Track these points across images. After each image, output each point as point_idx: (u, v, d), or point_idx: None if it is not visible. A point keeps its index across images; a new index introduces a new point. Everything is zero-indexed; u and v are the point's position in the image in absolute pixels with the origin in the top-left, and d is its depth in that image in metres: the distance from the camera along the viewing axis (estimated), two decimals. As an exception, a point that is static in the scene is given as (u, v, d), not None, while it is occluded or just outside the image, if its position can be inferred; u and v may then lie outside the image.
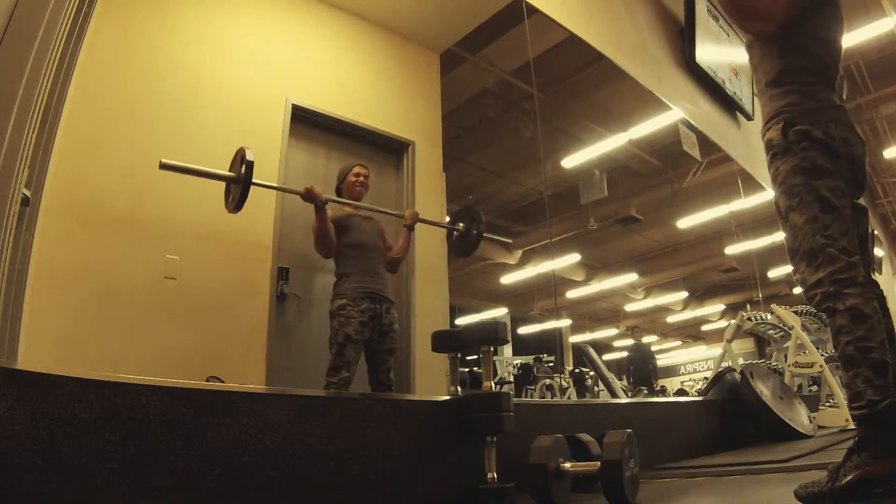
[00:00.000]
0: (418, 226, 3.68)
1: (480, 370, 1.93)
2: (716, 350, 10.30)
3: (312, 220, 2.70)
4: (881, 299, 1.40)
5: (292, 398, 1.46)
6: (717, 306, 12.82)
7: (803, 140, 1.43)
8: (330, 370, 2.54)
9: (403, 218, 3.00)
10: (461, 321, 9.65)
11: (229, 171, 2.42)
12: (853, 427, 1.39)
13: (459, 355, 2.05)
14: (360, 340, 2.61)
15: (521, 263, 9.72)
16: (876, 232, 8.05)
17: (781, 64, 1.53)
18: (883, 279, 7.31)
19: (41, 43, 1.27)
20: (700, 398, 3.82)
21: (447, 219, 3.91)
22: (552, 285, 10.06)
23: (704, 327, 14.27)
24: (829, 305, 1.35)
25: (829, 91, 1.52)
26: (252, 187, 2.35)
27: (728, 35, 5.58)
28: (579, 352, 6.54)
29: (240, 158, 2.36)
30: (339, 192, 2.95)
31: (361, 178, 2.94)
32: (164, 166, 2.25)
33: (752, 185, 5.87)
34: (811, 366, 4.06)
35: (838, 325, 1.32)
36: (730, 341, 4.54)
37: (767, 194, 6.09)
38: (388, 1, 3.73)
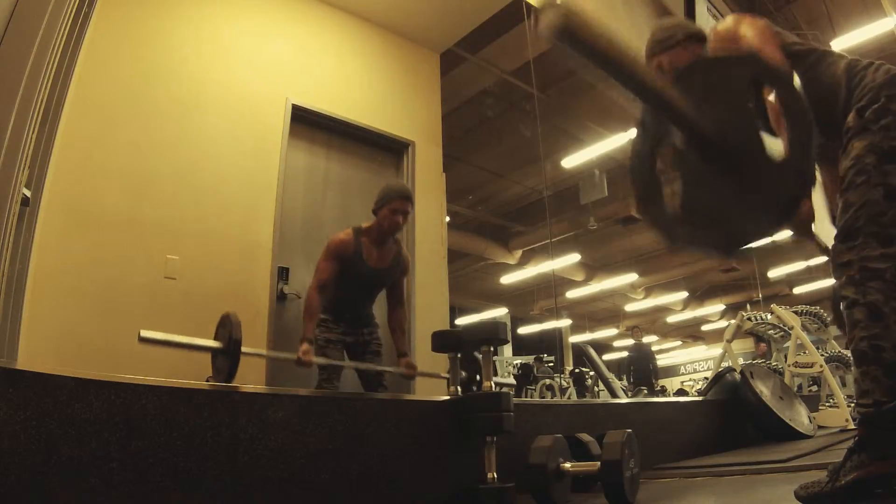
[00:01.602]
0: (419, 218, 3.66)
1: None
2: (716, 350, 10.30)
3: (312, 220, 2.70)
4: None
5: (292, 398, 1.46)
6: (717, 306, 12.83)
7: (883, 117, 1.34)
8: (320, 371, 2.56)
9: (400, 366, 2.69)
10: (460, 321, 9.65)
11: (214, 338, 2.13)
12: (853, 427, 1.39)
13: (459, 355, 2.05)
14: (342, 343, 2.63)
15: (521, 263, 9.72)
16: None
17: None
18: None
19: (41, 43, 1.28)
20: (700, 398, 3.82)
21: (447, 218, 3.91)
22: (552, 285, 10.07)
23: (704, 327, 14.30)
24: (849, 293, 1.30)
25: (879, 63, 1.45)
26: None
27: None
28: (579, 352, 6.54)
29: (228, 333, 2.06)
30: (375, 214, 2.63)
31: (400, 219, 2.57)
32: (143, 340, 1.91)
33: (752, 185, 5.85)
34: (811, 366, 4.06)
35: (855, 318, 1.28)
36: (730, 341, 4.55)
37: (767, 194, 6.08)
38: (388, 1, 3.73)
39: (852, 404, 3.32)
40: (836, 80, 1.45)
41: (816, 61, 1.50)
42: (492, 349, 1.88)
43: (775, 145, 1.17)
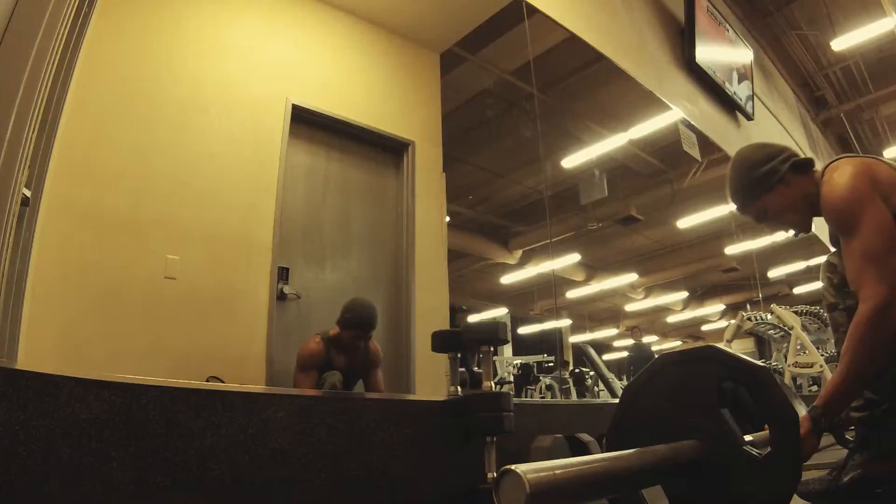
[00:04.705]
0: (419, 226, 3.67)
1: (480, 370, 1.92)
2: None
3: (312, 220, 2.71)
4: None
5: (292, 398, 1.46)
6: (717, 306, 12.82)
7: None
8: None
9: None
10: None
11: None
12: (853, 428, 1.38)
13: (459, 355, 2.05)
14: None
15: (521, 263, 9.71)
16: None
17: None
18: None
19: (41, 43, 1.27)
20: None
21: (447, 218, 3.91)
22: (552, 285, 10.06)
23: (704, 327, 14.28)
24: (829, 295, 1.31)
25: None
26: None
27: (728, 33, 5.58)
28: (579, 352, 6.53)
29: None
30: (338, 325, 2.72)
31: (360, 343, 2.73)
32: None
33: (752, 185, 5.84)
34: (811, 366, 4.06)
35: (837, 321, 1.29)
36: (730, 341, 4.54)
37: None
38: (388, 1, 3.73)
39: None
40: None
41: None
42: (492, 349, 1.88)
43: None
